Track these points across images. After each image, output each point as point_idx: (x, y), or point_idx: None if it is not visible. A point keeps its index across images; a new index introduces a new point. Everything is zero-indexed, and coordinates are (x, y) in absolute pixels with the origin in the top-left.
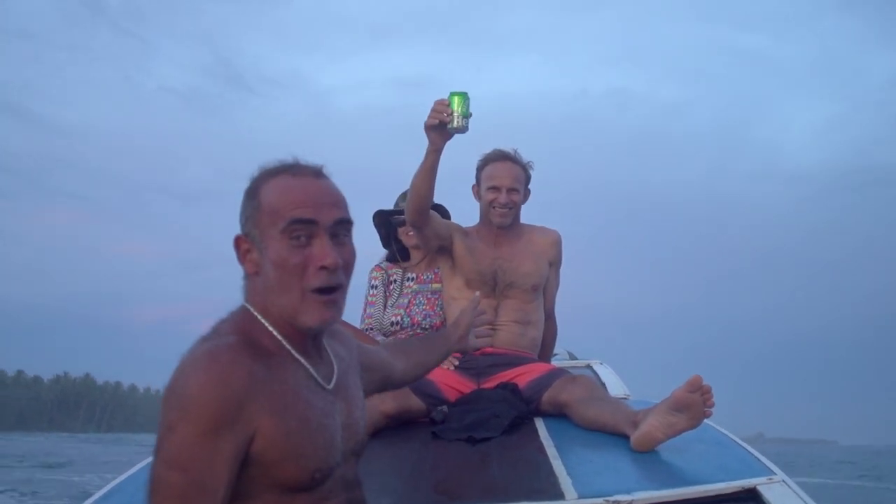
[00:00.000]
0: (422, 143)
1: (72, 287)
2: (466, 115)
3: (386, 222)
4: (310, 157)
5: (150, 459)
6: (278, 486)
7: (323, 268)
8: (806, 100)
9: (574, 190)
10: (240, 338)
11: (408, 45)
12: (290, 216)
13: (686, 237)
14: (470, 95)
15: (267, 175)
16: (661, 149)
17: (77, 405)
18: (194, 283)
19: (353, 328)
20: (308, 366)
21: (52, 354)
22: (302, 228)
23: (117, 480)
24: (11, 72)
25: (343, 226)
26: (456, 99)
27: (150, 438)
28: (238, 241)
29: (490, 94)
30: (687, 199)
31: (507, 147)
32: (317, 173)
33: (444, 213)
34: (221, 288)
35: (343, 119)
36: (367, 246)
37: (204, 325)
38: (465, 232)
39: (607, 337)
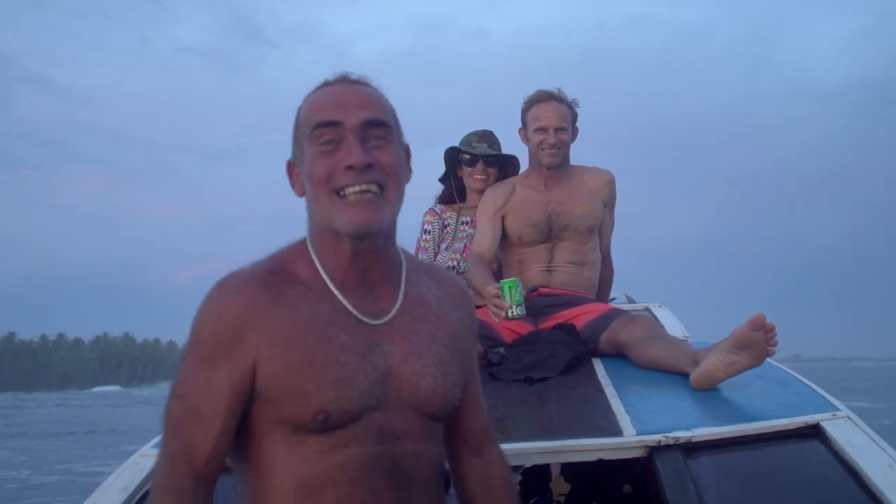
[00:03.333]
0: (446, 82)
1: (105, 252)
2: (520, 303)
3: (452, 158)
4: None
5: None
6: (285, 426)
7: (349, 168)
8: (828, 14)
9: (599, 124)
10: (267, 266)
11: None
12: (315, 121)
13: (718, 163)
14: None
15: (308, 94)
16: (686, 75)
17: (118, 363)
18: (227, 240)
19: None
20: (342, 298)
21: (91, 317)
22: (328, 132)
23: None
24: (27, 42)
25: (378, 128)
26: (507, 290)
27: None
28: (288, 167)
29: (508, 30)
30: (716, 125)
31: (550, 87)
32: (351, 80)
33: (514, 163)
34: (255, 242)
35: (364, 65)
36: (424, 189)
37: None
38: (513, 187)
39: (639, 266)
